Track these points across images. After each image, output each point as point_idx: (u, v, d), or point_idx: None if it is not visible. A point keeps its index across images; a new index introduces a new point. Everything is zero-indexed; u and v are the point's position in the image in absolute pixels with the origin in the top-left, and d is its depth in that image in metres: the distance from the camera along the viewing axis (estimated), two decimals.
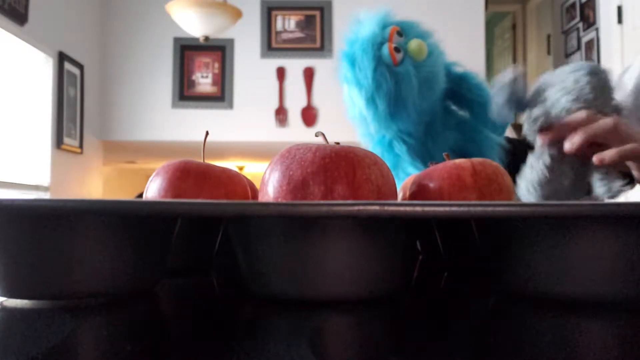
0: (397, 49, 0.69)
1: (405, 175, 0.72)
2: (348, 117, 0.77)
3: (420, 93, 0.70)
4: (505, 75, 0.59)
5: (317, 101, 3.62)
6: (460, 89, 0.76)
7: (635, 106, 0.73)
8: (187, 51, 3.64)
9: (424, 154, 0.75)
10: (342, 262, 0.33)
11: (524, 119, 0.62)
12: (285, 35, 3.66)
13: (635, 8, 3.06)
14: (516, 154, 0.78)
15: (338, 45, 3.53)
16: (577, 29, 3.78)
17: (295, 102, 3.62)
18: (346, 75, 0.72)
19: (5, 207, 0.30)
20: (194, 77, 3.65)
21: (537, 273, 0.33)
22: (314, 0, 3.66)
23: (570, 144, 0.60)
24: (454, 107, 0.78)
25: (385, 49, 0.69)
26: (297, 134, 3.52)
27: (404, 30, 0.72)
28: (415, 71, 0.69)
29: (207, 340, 0.26)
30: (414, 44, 0.69)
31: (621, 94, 0.71)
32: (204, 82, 3.64)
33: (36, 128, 2.96)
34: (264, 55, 3.65)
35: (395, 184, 0.37)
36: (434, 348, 0.26)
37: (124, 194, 4.78)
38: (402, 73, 0.69)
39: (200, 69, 3.65)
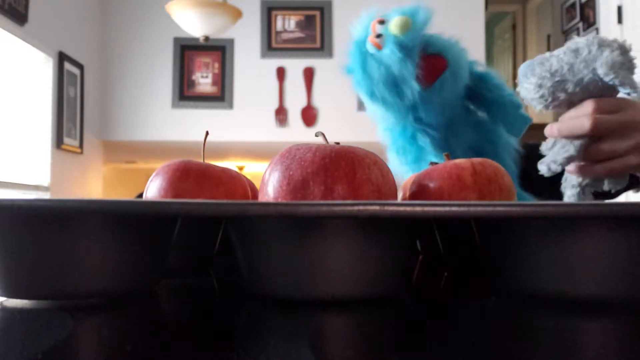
0: (378, 36, 0.70)
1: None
2: (367, 114, 0.78)
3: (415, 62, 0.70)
4: None
5: (317, 101, 3.62)
6: (480, 89, 0.77)
7: None
8: (187, 51, 3.64)
9: (446, 149, 0.75)
10: (342, 262, 0.33)
11: (531, 84, 0.62)
12: (285, 35, 3.66)
13: (635, 8, 3.06)
14: (530, 159, 0.78)
15: (338, 45, 3.56)
16: (577, 29, 3.78)
17: (295, 102, 3.62)
18: (353, 83, 0.73)
19: (5, 207, 0.30)
20: (194, 77, 3.64)
21: (537, 273, 0.33)
22: (314, 0, 3.66)
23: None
24: (472, 107, 0.79)
25: (368, 41, 0.70)
26: (297, 134, 3.52)
27: (385, 17, 0.72)
28: (399, 46, 0.69)
29: (207, 340, 0.26)
30: (392, 22, 0.70)
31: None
32: (204, 82, 3.64)
33: (36, 128, 2.96)
34: (264, 55, 3.65)
35: (395, 184, 0.37)
36: (434, 348, 0.26)
37: (124, 194, 4.78)
38: (386, 54, 0.69)
39: (200, 69, 3.65)
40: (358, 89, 0.72)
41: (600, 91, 0.59)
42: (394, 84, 0.70)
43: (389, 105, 0.71)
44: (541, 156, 0.68)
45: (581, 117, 0.58)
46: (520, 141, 0.81)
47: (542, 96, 0.61)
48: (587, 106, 0.58)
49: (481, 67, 0.78)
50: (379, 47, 0.69)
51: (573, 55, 0.59)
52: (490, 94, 0.76)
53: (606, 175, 0.61)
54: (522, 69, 0.63)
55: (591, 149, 0.59)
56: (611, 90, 0.59)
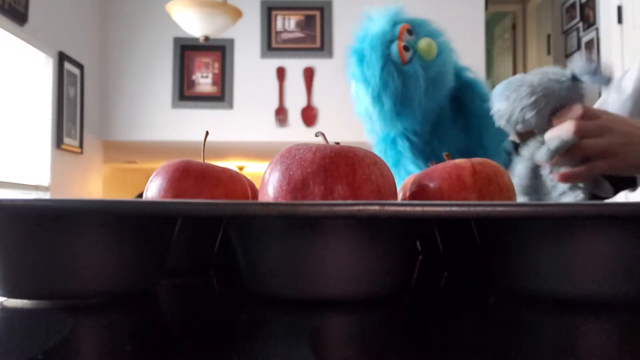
0: (406, 48, 0.69)
1: (406, 173, 0.72)
2: (355, 112, 0.76)
3: (427, 93, 0.70)
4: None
5: (317, 101, 3.62)
6: (463, 97, 0.76)
7: (635, 110, 0.73)
8: (187, 51, 3.64)
9: (429, 153, 0.74)
10: (342, 262, 0.33)
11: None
12: (285, 35, 3.66)
13: (635, 8, 3.06)
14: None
15: (338, 45, 3.56)
16: (577, 29, 3.78)
17: (295, 102, 3.62)
18: (354, 72, 0.72)
19: (5, 207, 0.30)
20: (194, 77, 3.64)
21: (537, 273, 0.33)
22: (314, 0, 3.66)
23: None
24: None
25: (395, 47, 0.68)
26: (297, 134, 3.52)
27: (414, 29, 0.71)
28: (423, 71, 0.69)
29: (207, 340, 0.26)
30: (423, 43, 0.69)
31: (620, 97, 0.71)
32: (204, 82, 3.64)
33: (36, 128, 2.96)
34: (264, 55, 3.65)
35: (395, 184, 0.37)
36: (434, 348, 0.26)
37: (124, 194, 4.78)
38: (409, 72, 0.69)
39: (200, 69, 3.65)
40: (362, 84, 0.71)
41: (561, 91, 0.61)
42: (401, 100, 0.69)
43: (384, 113, 0.71)
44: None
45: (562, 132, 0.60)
46: (512, 142, 0.81)
47: (508, 86, 0.63)
48: (569, 125, 0.59)
49: (471, 73, 0.78)
50: (403, 61, 0.68)
51: (539, 71, 0.64)
52: (471, 104, 0.75)
53: (593, 174, 0.61)
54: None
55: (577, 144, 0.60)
56: (573, 91, 0.60)
